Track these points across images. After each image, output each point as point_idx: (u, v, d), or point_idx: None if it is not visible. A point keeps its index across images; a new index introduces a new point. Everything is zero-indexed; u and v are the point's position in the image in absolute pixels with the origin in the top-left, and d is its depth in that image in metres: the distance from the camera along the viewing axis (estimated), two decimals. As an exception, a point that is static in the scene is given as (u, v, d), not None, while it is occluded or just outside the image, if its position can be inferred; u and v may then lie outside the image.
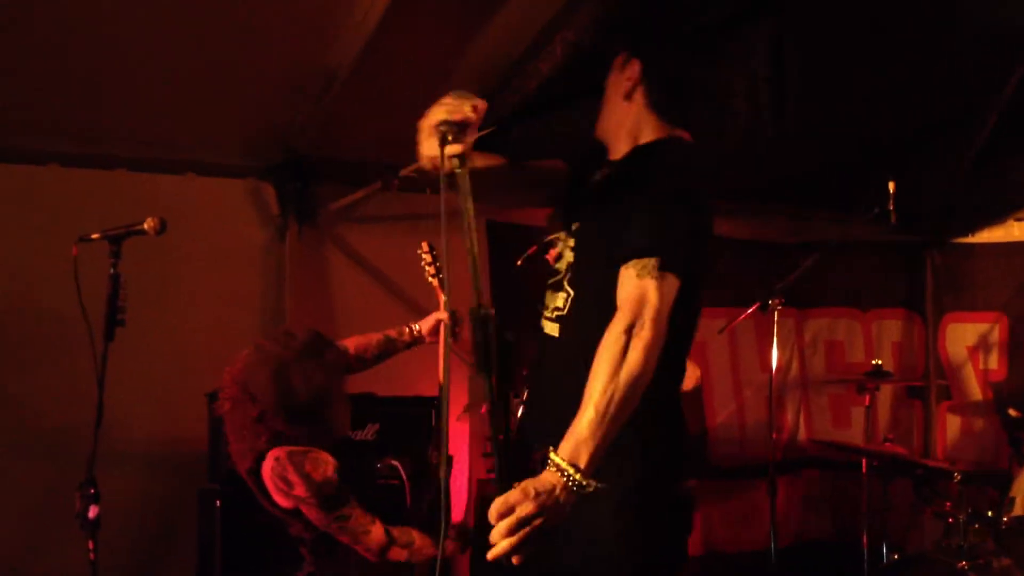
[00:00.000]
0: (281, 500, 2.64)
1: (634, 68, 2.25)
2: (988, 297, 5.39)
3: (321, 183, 4.41)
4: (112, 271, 2.79)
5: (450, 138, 1.80)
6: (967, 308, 5.47)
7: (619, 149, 2.28)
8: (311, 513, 2.62)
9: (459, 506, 4.16)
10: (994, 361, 5.30)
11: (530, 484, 1.73)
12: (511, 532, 1.69)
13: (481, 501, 3.96)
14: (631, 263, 1.94)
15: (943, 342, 5.54)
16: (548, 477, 1.75)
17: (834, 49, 3.97)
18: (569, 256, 2.23)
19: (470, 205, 1.74)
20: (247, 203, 4.33)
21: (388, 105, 3.89)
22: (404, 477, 3.04)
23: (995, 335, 5.32)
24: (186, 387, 3.75)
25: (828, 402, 5.41)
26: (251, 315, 4.25)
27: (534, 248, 3.41)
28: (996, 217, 5.32)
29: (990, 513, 3.89)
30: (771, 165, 4.64)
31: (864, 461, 4.16)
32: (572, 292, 2.18)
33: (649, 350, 1.86)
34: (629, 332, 1.87)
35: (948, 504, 3.95)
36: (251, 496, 2.72)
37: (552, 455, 1.77)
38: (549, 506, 1.71)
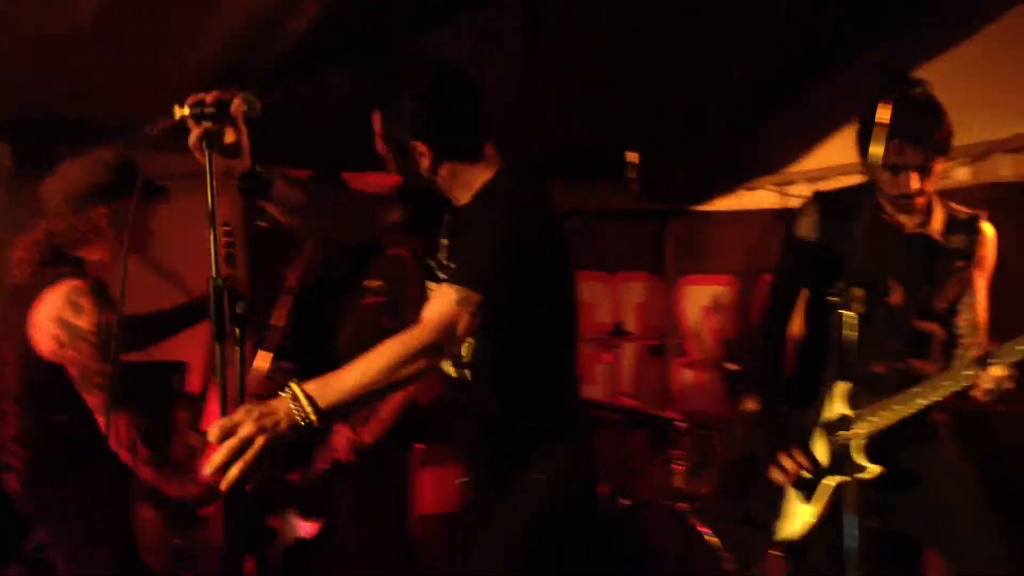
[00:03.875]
0: (48, 341, 2.49)
1: (421, 150, 2.28)
2: (721, 261, 5.80)
3: (63, 141, 4.18)
4: None
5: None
6: (703, 272, 5.88)
7: (457, 197, 2.37)
8: (81, 353, 2.49)
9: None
10: (725, 320, 5.74)
11: (255, 406, 1.81)
12: (233, 453, 1.75)
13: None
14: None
15: (681, 303, 5.95)
16: (276, 403, 1.83)
17: (584, 21, 4.16)
18: None
19: (213, 184, 1.86)
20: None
21: (133, 63, 3.75)
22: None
23: (726, 296, 5.76)
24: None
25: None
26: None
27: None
28: (727, 187, 5.75)
29: (713, 460, 4.29)
30: (527, 135, 4.81)
31: (603, 414, 4.43)
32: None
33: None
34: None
35: (676, 452, 4.30)
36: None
37: (294, 385, 1.85)
38: (268, 428, 1.78)
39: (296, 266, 3.36)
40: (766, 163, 5.58)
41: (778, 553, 3.84)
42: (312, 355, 3.41)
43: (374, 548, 3.67)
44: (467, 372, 2.41)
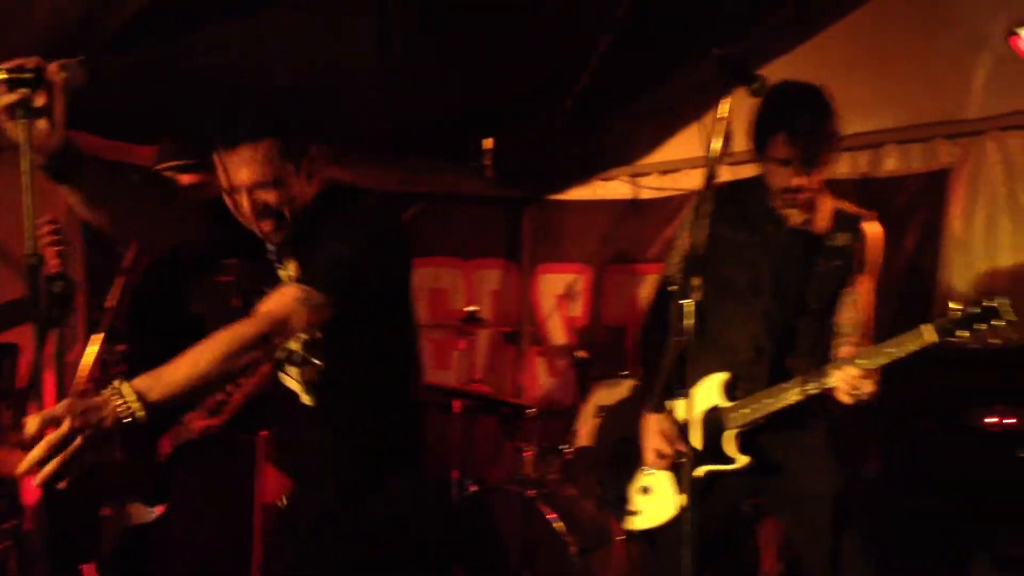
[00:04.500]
0: None
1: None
2: (575, 250, 5.87)
3: None
4: None
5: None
6: (557, 260, 5.93)
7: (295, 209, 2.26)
8: None
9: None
10: (577, 308, 5.81)
11: (80, 400, 1.73)
12: (53, 449, 1.66)
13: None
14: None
15: (536, 291, 5.99)
16: (102, 399, 1.75)
17: (439, 7, 4.12)
18: None
19: (28, 157, 1.77)
20: None
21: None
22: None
23: (580, 285, 5.82)
24: None
25: (431, 347, 5.65)
26: None
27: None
28: (583, 177, 5.81)
29: (562, 447, 4.33)
30: (381, 116, 4.74)
31: (455, 401, 4.43)
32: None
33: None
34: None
35: (526, 439, 4.33)
36: None
37: (118, 383, 1.77)
38: (91, 425, 1.70)
39: (132, 246, 3.22)
40: (620, 154, 5.66)
41: (622, 538, 3.94)
42: (151, 336, 3.28)
43: (215, 536, 3.57)
44: (317, 394, 2.37)
